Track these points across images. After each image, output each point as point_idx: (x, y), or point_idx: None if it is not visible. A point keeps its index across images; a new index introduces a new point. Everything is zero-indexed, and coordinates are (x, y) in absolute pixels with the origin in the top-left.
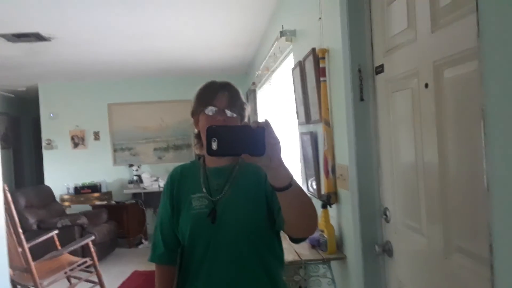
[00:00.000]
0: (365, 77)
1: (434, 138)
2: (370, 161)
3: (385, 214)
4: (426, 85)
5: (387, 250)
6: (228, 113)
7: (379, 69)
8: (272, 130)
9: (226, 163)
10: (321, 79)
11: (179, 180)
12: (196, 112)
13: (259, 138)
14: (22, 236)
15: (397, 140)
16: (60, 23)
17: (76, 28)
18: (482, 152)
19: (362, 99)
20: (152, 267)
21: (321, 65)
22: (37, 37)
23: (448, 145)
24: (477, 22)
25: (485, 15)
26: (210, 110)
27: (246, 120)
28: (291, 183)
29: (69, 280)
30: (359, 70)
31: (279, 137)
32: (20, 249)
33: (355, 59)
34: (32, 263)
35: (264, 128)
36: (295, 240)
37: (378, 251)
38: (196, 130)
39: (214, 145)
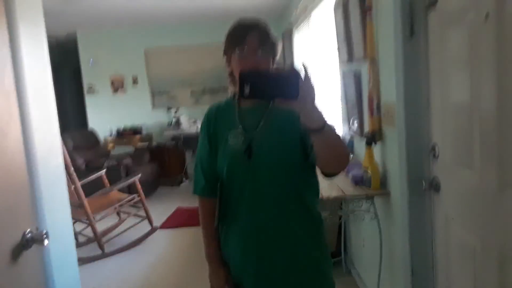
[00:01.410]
0: (416, 11)
1: (493, 74)
2: (419, 98)
3: (434, 150)
4: (487, 15)
5: (434, 185)
6: (259, 53)
7: (432, 2)
8: (307, 74)
9: (260, 102)
10: (367, 15)
11: (215, 118)
12: (228, 51)
13: (293, 82)
14: (74, 175)
15: (450, 77)
16: None
17: None
18: None
19: (412, 34)
20: (194, 203)
21: (367, 1)
22: None
23: (509, 81)
24: None
25: None
26: (240, 50)
27: (278, 56)
28: (324, 126)
29: (118, 215)
30: (410, 3)
31: (313, 80)
32: (72, 187)
33: None
34: (85, 199)
35: (298, 72)
36: (327, 175)
37: (424, 186)
38: (228, 69)
39: (247, 90)
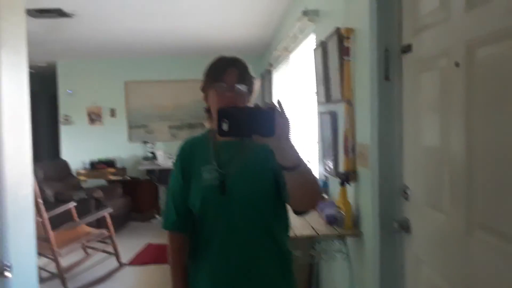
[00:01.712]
0: (391, 56)
1: (462, 119)
2: (392, 140)
3: (405, 192)
4: (457, 64)
5: (405, 227)
6: (237, 89)
7: (407, 49)
8: (283, 111)
9: (235, 138)
10: (345, 58)
11: (189, 152)
12: (206, 87)
13: (269, 119)
14: (42, 206)
15: (422, 120)
16: None
17: (98, 5)
18: None
19: (387, 78)
20: (165, 240)
21: (345, 44)
22: (59, 13)
23: (477, 127)
24: None
25: None
26: (219, 87)
27: (255, 94)
28: (299, 164)
29: (85, 250)
30: (386, 50)
31: (289, 118)
32: (39, 219)
33: (382, 38)
34: (50, 232)
35: (274, 109)
36: (298, 213)
37: (395, 227)
38: (206, 105)
39: (225, 126)
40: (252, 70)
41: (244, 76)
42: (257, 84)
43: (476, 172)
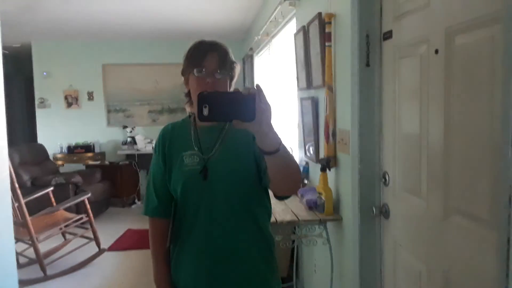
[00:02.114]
0: (372, 43)
1: (441, 105)
2: (372, 127)
3: (384, 178)
4: (436, 51)
5: (384, 212)
6: (217, 75)
7: (387, 35)
8: (263, 96)
9: (217, 123)
10: (326, 44)
11: (170, 137)
12: (186, 72)
13: (250, 104)
14: (18, 191)
15: (401, 107)
16: None
17: None
18: (497, 116)
19: (368, 65)
20: (145, 225)
21: (327, 30)
22: None
23: (455, 113)
24: None
25: None
26: (199, 72)
27: (236, 79)
28: (279, 148)
29: (64, 236)
30: (367, 36)
31: (270, 102)
32: (16, 204)
33: (363, 25)
34: (28, 218)
35: (255, 94)
36: (279, 197)
37: (375, 213)
38: (186, 89)
39: (205, 111)
40: (233, 55)
41: (224, 61)
42: (237, 69)
43: (452, 158)
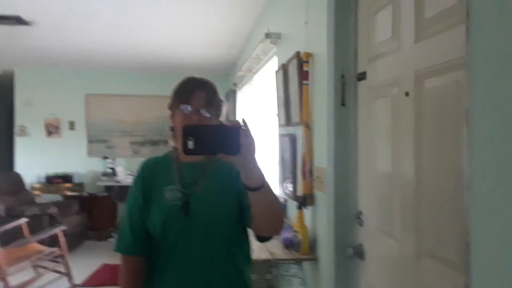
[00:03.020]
0: (347, 83)
1: (411, 147)
2: (348, 165)
3: (359, 218)
4: (407, 94)
5: (359, 253)
6: (203, 113)
7: (362, 76)
8: (248, 129)
9: (200, 158)
10: (304, 82)
11: (151, 171)
12: (173, 107)
13: (234, 138)
14: None
15: (375, 146)
16: (42, 7)
17: (58, 14)
18: (461, 157)
19: (343, 104)
20: None
21: (304, 69)
22: (18, 20)
23: (424, 154)
24: (466, 31)
25: (475, 24)
26: (185, 109)
27: (223, 118)
28: (263, 184)
29: (36, 270)
30: (342, 76)
31: (254, 137)
32: None
33: (338, 65)
34: None
35: (239, 128)
36: (261, 239)
37: (350, 253)
38: (171, 123)
39: (191, 144)
40: (221, 94)
41: (212, 99)
42: (225, 108)
43: (423, 199)
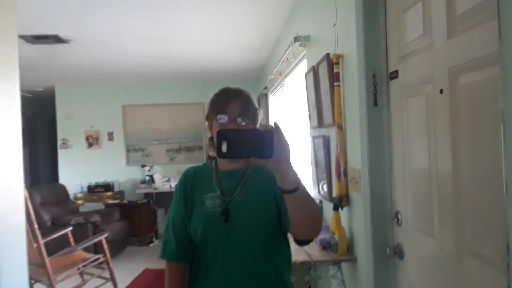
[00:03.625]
0: (379, 82)
1: (448, 144)
2: (383, 165)
3: (397, 217)
4: (441, 91)
5: (398, 252)
6: (239, 122)
7: (394, 75)
8: (281, 133)
9: (238, 166)
10: (335, 83)
11: (192, 180)
12: (210, 117)
13: (268, 141)
14: (38, 232)
15: (410, 145)
16: (78, 25)
17: (94, 31)
18: (500, 156)
19: (375, 104)
20: (162, 265)
21: (335, 70)
22: (56, 39)
23: (462, 151)
24: (498, 28)
25: (507, 20)
26: (221, 118)
27: (258, 125)
28: (298, 187)
29: (81, 276)
30: (374, 75)
31: (288, 140)
32: (35, 245)
33: (369, 65)
34: (46, 258)
35: (273, 131)
36: (300, 242)
37: (389, 253)
38: (209, 134)
39: (224, 148)
40: (255, 101)
41: (247, 108)
42: (260, 115)
43: (462, 196)
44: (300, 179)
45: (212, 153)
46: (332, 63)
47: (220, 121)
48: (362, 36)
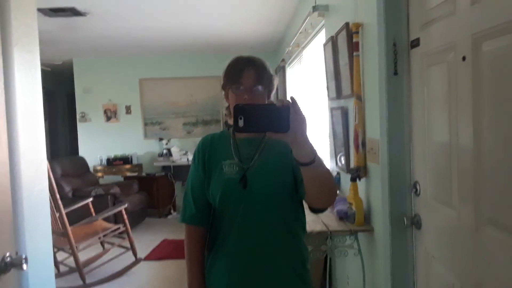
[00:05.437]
0: (399, 51)
1: (470, 113)
2: (402, 136)
3: (415, 188)
4: (464, 58)
5: (416, 222)
6: (255, 90)
7: (415, 43)
8: (298, 107)
9: (255, 135)
10: (354, 53)
11: (210, 147)
12: (225, 87)
13: (284, 116)
14: (59, 202)
15: (431, 115)
16: None
17: (111, 3)
18: None
19: (396, 73)
20: (180, 236)
21: (354, 40)
22: (73, 12)
23: (484, 121)
24: None
25: None
26: (236, 89)
27: (274, 92)
28: (314, 159)
29: (102, 245)
30: (394, 44)
31: (304, 114)
32: (57, 214)
33: (390, 33)
34: (68, 227)
35: (289, 106)
36: (314, 210)
37: (406, 223)
38: (226, 103)
39: (241, 123)
40: (270, 68)
41: (262, 75)
42: (276, 81)
43: (483, 166)
44: (316, 151)
45: (230, 121)
46: (351, 32)
47: (235, 91)
48: (383, 4)
